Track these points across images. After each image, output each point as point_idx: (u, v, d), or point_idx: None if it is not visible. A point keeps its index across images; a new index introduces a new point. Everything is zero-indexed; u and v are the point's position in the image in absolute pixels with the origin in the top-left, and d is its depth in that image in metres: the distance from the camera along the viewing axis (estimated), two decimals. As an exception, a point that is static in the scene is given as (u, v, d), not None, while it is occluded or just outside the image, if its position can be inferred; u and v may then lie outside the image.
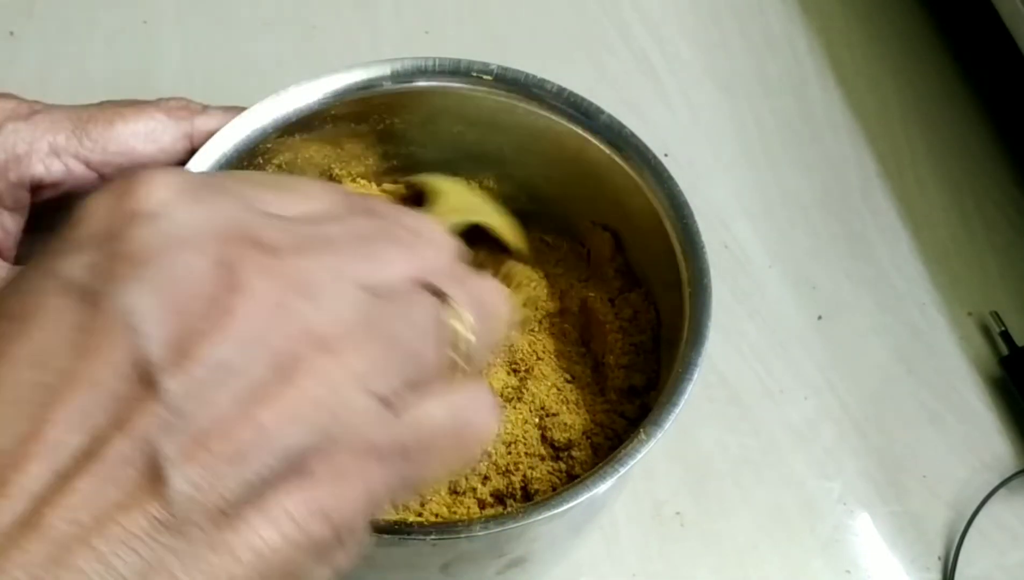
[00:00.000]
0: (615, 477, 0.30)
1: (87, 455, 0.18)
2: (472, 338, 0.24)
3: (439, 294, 0.23)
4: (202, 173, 0.22)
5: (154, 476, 0.18)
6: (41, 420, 0.19)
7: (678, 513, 0.45)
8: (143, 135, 0.35)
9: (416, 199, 0.42)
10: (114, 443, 0.18)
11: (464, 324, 0.24)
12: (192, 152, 0.36)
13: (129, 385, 0.19)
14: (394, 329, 0.22)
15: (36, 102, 0.36)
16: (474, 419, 0.24)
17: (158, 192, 0.21)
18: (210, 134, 0.36)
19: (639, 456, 0.30)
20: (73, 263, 0.20)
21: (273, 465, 0.19)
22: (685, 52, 0.60)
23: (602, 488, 0.30)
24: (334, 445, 0.20)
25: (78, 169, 0.35)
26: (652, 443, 0.31)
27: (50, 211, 0.35)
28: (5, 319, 0.20)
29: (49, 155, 0.35)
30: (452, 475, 0.24)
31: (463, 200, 0.42)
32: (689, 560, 0.44)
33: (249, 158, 0.37)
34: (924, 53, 0.61)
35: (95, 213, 0.21)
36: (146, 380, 0.19)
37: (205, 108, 0.37)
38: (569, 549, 0.41)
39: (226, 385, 0.19)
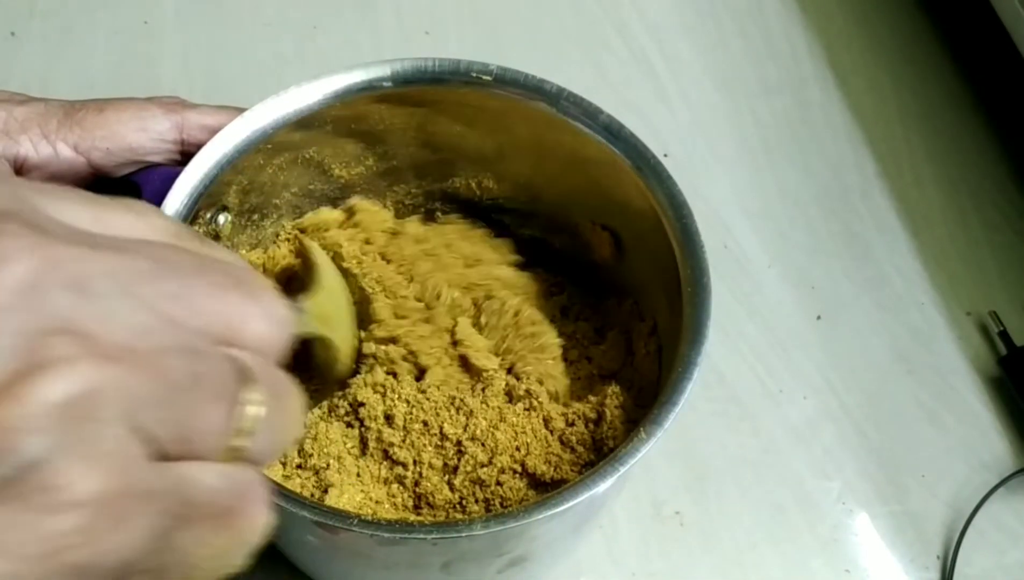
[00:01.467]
0: (615, 476, 0.30)
1: None
2: (262, 436, 0.20)
3: (245, 372, 0.20)
4: None
5: None
6: None
7: (678, 513, 0.45)
8: (132, 123, 0.36)
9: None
10: None
11: (258, 417, 0.20)
12: (181, 142, 0.36)
13: None
14: (180, 372, 0.18)
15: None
16: (250, 501, 0.20)
17: None
18: (200, 127, 0.36)
19: (639, 455, 0.31)
20: None
21: None
22: (685, 52, 0.60)
23: (602, 487, 0.30)
24: (75, 464, 0.17)
25: (65, 152, 0.35)
26: (652, 442, 0.31)
27: None
28: None
29: (38, 136, 0.35)
30: (216, 566, 0.20)
31: (333, 302, 0.37)
32: (689, 560, 0.44)
33: (249, 158, 0.37)
34: (923, 54, 0.62)
35: None
36: None
37: (197, 105, 0.37)
38: (569, 548, 0.41)
39: None
